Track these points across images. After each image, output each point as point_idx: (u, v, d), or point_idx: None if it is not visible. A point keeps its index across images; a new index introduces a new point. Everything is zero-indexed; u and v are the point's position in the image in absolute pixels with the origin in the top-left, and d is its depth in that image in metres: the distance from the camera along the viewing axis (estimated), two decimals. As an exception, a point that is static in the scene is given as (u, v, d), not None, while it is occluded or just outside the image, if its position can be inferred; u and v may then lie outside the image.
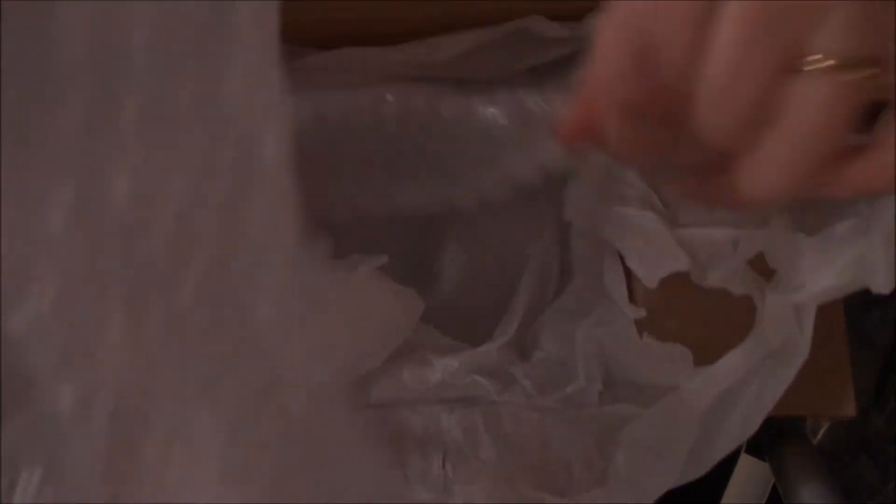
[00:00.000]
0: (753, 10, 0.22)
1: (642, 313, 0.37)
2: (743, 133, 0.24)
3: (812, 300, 0.30)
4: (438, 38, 0.40)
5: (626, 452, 0.33)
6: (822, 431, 0.53)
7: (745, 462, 0.56)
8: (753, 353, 0.32)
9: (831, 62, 0.22)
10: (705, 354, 0.35)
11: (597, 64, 0.26)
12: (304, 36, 0.42)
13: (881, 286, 0.27)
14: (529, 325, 0.42)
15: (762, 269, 0.33)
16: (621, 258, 0.39)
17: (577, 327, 0.39)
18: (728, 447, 0.32)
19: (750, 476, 0.56)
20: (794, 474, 0.45)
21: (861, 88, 0.23)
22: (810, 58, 0.22)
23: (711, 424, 0.33)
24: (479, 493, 0.33)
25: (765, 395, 0.32)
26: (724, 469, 0.57)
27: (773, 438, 0.48)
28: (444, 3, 0.40)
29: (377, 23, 0.41)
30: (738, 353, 0.33)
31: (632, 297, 0.38)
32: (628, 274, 0.39)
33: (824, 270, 0.29)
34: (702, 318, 0.36)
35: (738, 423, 0.32)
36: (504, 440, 0.34)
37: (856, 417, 0.39)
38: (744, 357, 0.32)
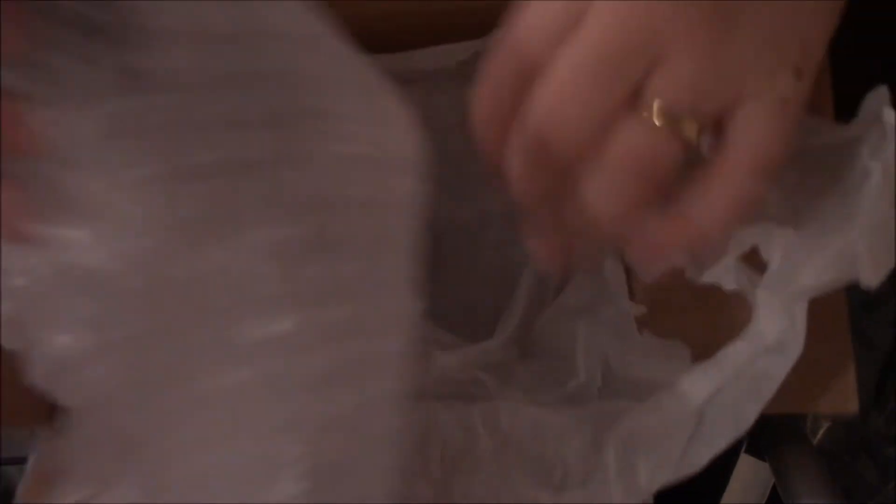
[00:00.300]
0: (602, 44, 0.24)
1: (643, 310, 0.37)
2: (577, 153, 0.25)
3: (801, 295, 0.30)
4: (444, 47, 0.40)
5: (619, 447, 0.33)
6: (822, 431, 0.53)
7: (745, 462, 0.56)
8: (749, 348, 0.32)
9: (662, 109, 0.24)
10: (705, 351, 0.35)
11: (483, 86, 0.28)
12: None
13: (867, 279, 0.27)
14: (531, 321, 0.42)
15: (757, 263, 0.33)
16: (621, 254, 0.39)
17: (579, 324, 0.40)
18: (723, 442, 0.32)
19: (750, 476, 0.56)
20: (794, 474, 0.45)
21: (680, 138, 0.24)
22: (645, 99, 0.24)
23: (706, 419, 0.33)
24: (477, 489, 0.34)
25: (760, 391, 0.32)
26: (724, 469, 0.57)
27: (773, 438, 0.48)
28: (444, 3, 0.40)
29: (376, 20, 0.41)
30: (734, 349, 0.33)
31: (632, 294, 0.39)
32: (628, 271, 0.39)
33: (812, 265, 0.29)
34: (703, 315, 0.36)
35: (734, 417, 0.32)
36: (501, 436, 0.35)
37: (856, 417, 0.39)
38: (739, 353, 0.33)
